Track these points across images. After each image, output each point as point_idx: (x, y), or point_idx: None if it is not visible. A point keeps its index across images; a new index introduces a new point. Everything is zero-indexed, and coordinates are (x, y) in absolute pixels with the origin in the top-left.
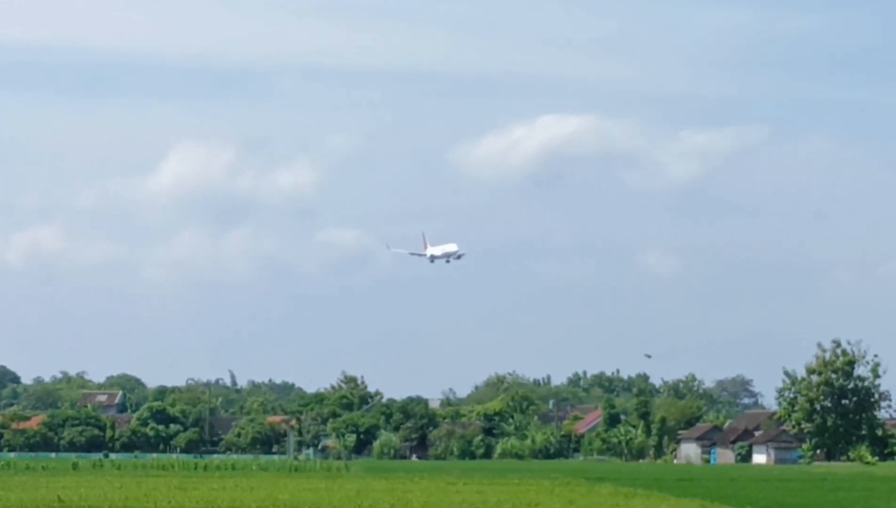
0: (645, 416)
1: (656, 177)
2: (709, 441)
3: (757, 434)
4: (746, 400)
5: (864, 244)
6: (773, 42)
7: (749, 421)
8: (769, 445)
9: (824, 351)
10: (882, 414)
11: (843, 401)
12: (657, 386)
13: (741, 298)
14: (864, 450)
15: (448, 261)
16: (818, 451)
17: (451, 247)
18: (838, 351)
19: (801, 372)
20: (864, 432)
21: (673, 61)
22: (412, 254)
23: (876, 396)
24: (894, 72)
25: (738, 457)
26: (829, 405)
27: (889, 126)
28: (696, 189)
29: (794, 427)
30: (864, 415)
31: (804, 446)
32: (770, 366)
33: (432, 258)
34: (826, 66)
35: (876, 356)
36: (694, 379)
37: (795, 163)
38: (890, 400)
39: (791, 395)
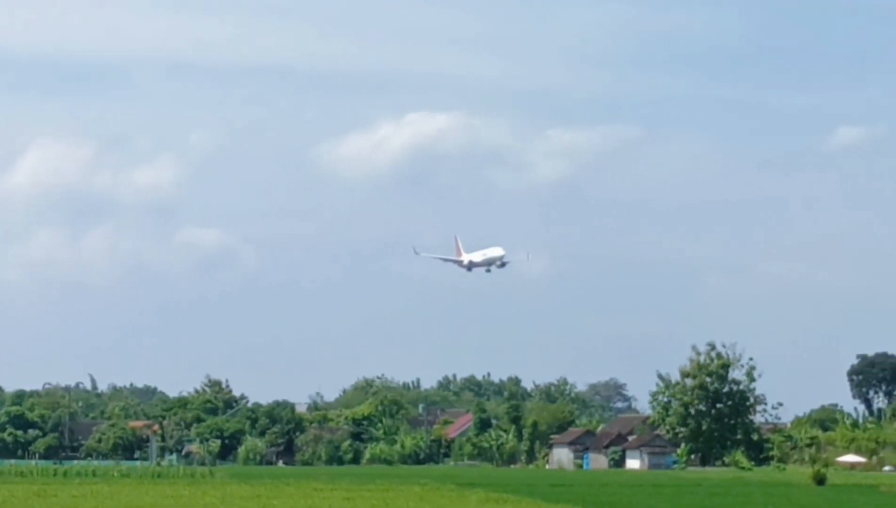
0: (516, 420)
1: (525, 175)
2: (581, 445)
3: (630, 438)
4: (620, 404)
5: (738, 244)
6: (646, 39)
7: (622, 426)
8: (643, 450)
9: (699, 353)
10: (758, 419)
11: (718, 405)
12: (529, 389)
13: (613, 300)
14: (739, 455)
15: (489, 271)
16: (693, 456)
17: (496, 252)
18: (713, 353)
19: (675, 376)
20: (739, 436)
21: (543, 58)
22: (445, 260)
23: (751, 400)
24: (766, 70)
25: (612, 462)
26: (704, 409)
27: (763, 124)
28: (566, 188)
29: (668, 431)
30: (739, 419)
31: (678, 451)
32: (644, 370)
33: (471, 265)
34: (698, 63)
35: (751, 359)
36: (566, 382)
37: (667, 162)
38: (765, 404)
39: (665, 399)
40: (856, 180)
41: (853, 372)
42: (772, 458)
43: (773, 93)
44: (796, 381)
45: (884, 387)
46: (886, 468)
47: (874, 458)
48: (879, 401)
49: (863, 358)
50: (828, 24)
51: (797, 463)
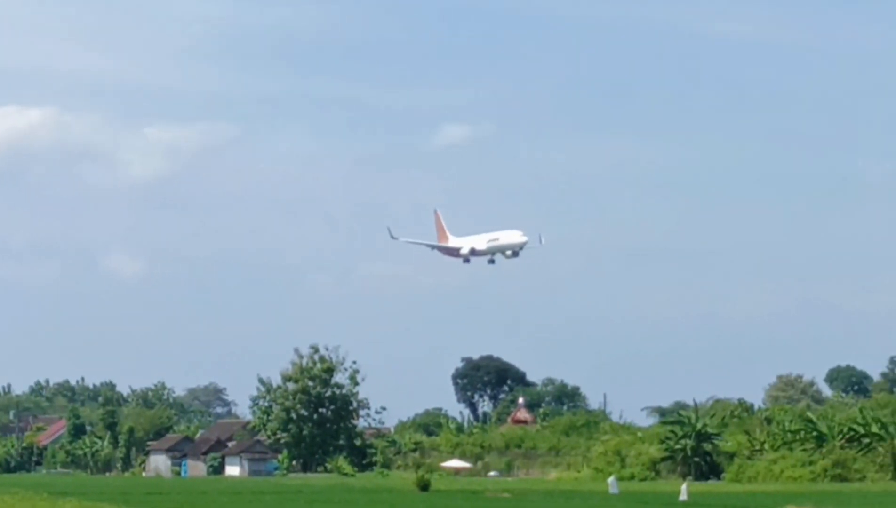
0: (112, 427)
1: (120, 174)
2: (180, 452)
3: (230, 444)
4: (220, 410)
5: (339, 244)
6: (247, 35)
7: (222, 431)
8: (243, 456)
9: (301, 357)
10: (361, 423)
11: (321, 410)
12: (125, 394)
13: (213, 302)
14: (342, 461)
15: (492, 261)
16: (294, 462)
17: (512, 238)
18: (316, 357)
19: (276, 380)
20: (342, 442)
21: (142, 54)
22: (432, 247)
23: (354, 404)
24: (369, 66)
25: (211, 469)
26: (306, 414)
27: (365, 121)
28: (163, 187)
29: (269, 437)
30: (342, 424)
31: (280, 457)
32: (245, 374)
33: (471, 254)
34: (301, 59)
35: (354, 362)
36: (164, 387)
37: (267, 160)
38: (368, 409)
39: (266, 404)
40: (460, 179)
41: (458, 376)
42: (375, 464)
43: (376, 90)
44: (401, 385)
45: (488, 391)
46: (492, 473)
47: (479, 463)
48: (484, 405)
49: (468, 361)
50: (432, 22)
51: (401, 469)
